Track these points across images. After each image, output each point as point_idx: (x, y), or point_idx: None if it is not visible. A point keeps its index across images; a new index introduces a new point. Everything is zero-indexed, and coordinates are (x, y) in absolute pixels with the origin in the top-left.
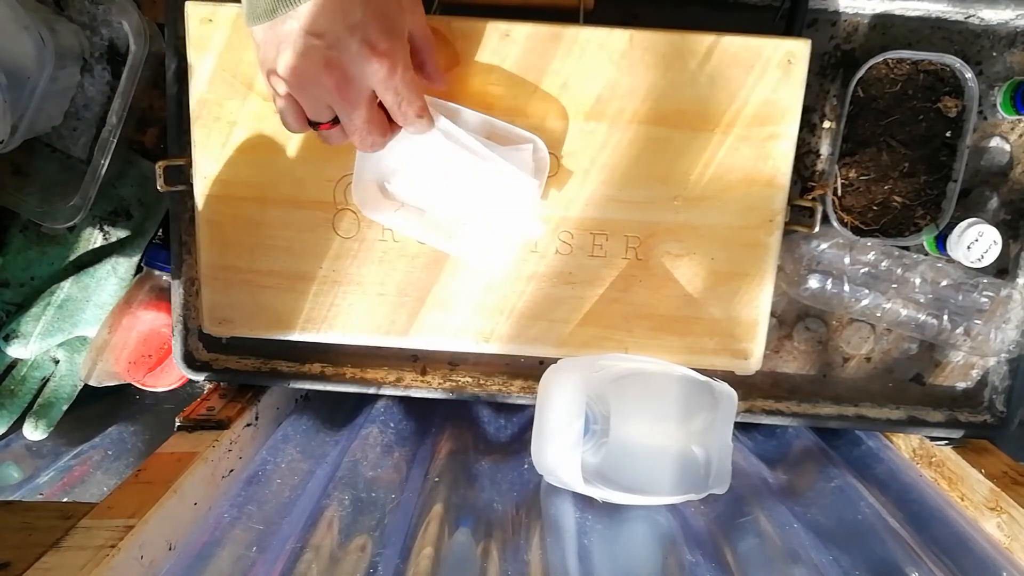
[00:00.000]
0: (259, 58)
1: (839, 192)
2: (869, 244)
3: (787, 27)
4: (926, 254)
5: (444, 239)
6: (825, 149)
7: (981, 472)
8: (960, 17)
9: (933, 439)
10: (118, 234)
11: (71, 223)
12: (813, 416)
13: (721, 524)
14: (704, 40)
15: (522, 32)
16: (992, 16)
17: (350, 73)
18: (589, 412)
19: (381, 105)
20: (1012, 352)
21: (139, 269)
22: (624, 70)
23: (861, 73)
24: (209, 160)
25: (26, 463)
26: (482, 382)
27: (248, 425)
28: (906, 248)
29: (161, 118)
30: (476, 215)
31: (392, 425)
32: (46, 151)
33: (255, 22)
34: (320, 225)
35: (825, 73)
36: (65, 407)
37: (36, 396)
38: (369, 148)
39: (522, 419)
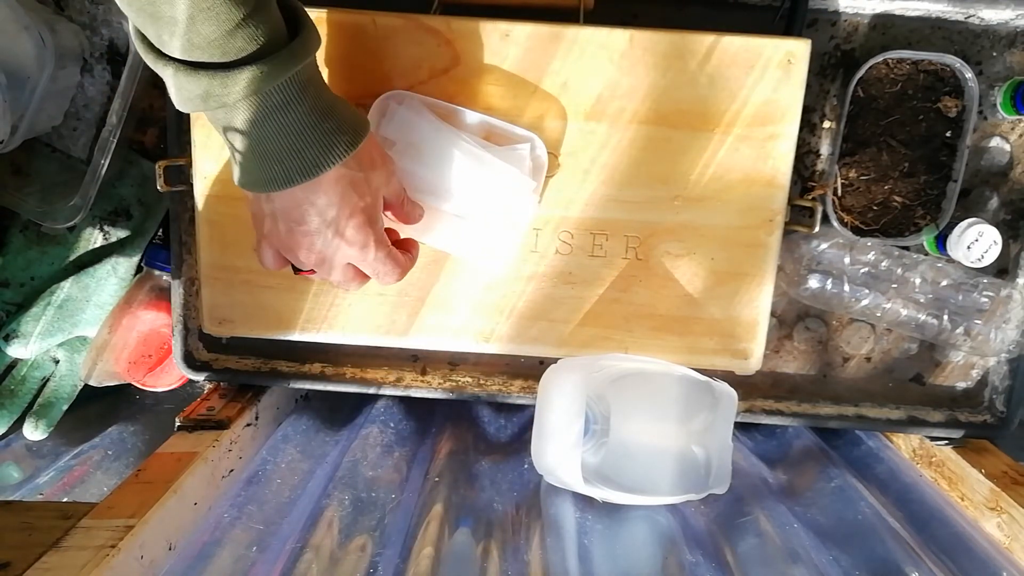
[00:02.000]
0: (248, 208)
1: (839, 192)
2: (869, 244)
3: (787, 27)
4: (926, 254)
5: (442, 239)
6: (825, 149)
7: (981, 472)
8: (960, 17)
9: (933, 439)
10: (118, 234)
11: (71, 223)
12: (813, 416)
13: (721, 524)
14: (704, 40)
15: (522, 32)
16: (992, 16)
17: (326, 255)
18: (589, 412)
19: None
20: (1012, 352)
21: (139, 269)
22: (624, 70)
23: (861, 73)
24: (209, 160)
25: (26, 463)
26: (482, 382)
27: (248, 425)
28: (906, 248)
29: (161, 118)
30: (474, 214)
31: (392, 425)
32: (46, 151)
33: (243, 187)
34: None
35: (825, 73)
36: (65, 407)
37: (36, 396)
38: (346, 291)
39: (522, 419)
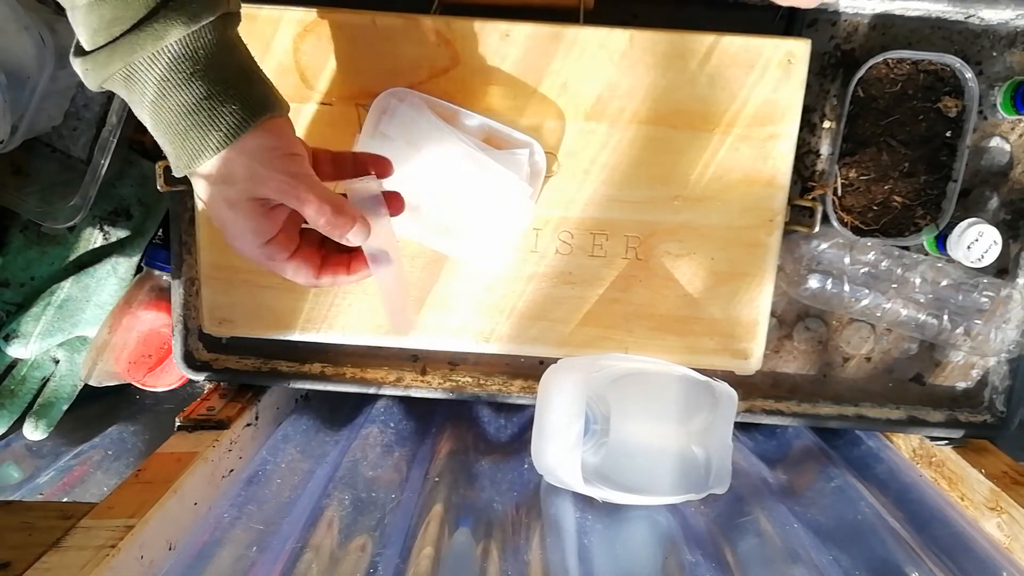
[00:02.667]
0: None
1: (839, 192)
2: (869, 244)
3: (787, 27)
4: (926, 254)
5: (439, 239)
6: (825, 149)
7: (981, 472)
8: (960, 17)
9: (933, 439)
10: (118, 234)
11: (71, 223)
12: (813, 416)
13: (721, 524)
14: (704, 40)
15: (522, 32)
16: (992, 16)
17: (234, 234)
18: (589, 412)
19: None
20: (1012, 352)
21: (139, 269)
22: (624, 70)
23: (861, 73)
24: None
25: (26, 463)
26: (482, 382)
27: (248, 425)
28: (906, 248)
29: None
30: (470, 216)
31: (392, 425)
32: (46, 151)
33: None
34: None
35: (825, 73)
36: (65, 407)
37: (36, 396)
38: (304, 284)
39: (522, 419)
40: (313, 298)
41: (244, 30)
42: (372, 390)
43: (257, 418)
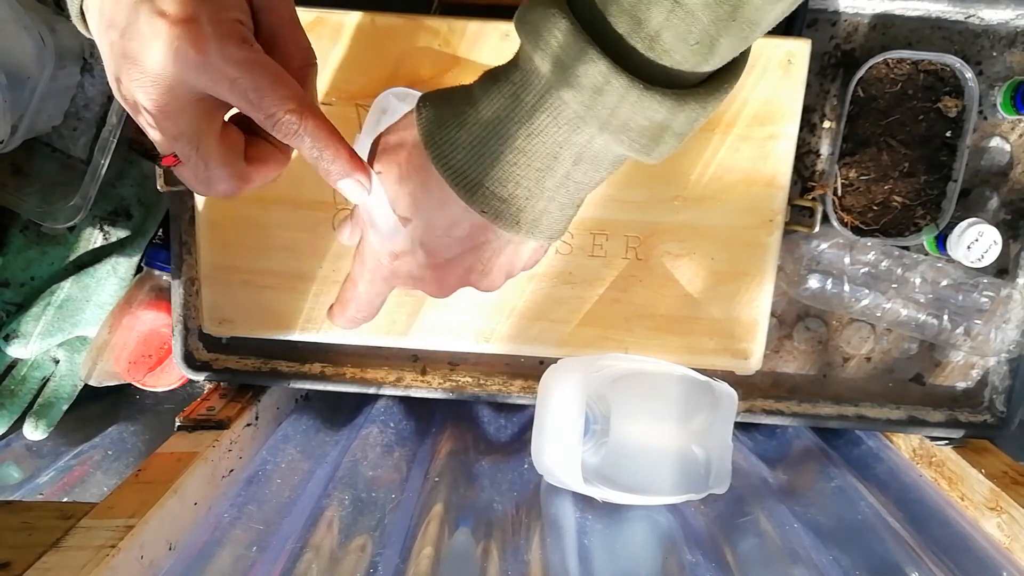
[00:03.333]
0: None
1: (839, 192)
2: (869, 244)
3: (787, 27)
4: (926, 254)
5: None
6: (825, 149)
7: (981, 472)
8: (960, 17)
9: (933, 439)
10: (118, 234)
11: (71, 223)
12: (813, 416)
13: (721, 524)
14: None
15: None
16: (992, 16)
17: (147, 66)
18: (589, 412)
19: (240, 125)
20: (1012, 352)
21: (139, 269)
22: None
23: (861, 73)
24: None
25: (26, 463)
26: (482, 382)
27: (248, 425)
28: (906, 248)
29: None
30: None
31: (392, 425)
32: (46, 151)
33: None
34: (320, 225)
35: (825, 73)
36: (65, 407)
37: (36, 396)
38: (205, 190)
39: (522, 419)
40: (313, 298)
41: None
42: (372, 390)
43: (257, 418)
